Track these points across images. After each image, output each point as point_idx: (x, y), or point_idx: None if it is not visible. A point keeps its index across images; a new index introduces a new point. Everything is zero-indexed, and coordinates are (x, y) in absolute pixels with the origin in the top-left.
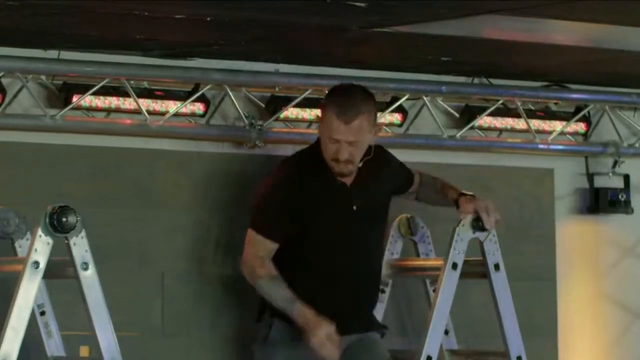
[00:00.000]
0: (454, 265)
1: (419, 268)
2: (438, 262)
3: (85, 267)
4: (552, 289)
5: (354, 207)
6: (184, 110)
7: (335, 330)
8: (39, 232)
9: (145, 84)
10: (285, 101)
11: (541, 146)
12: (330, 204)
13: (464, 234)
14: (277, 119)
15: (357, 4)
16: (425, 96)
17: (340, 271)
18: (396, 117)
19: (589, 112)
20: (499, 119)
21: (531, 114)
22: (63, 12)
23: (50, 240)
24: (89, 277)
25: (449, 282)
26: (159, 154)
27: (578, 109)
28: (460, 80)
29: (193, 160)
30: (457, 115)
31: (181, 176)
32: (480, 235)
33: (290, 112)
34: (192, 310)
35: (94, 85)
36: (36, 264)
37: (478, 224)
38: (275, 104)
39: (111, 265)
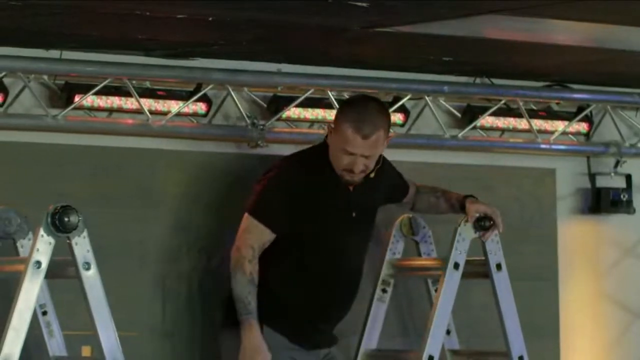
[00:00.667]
0: (456, 265)
1: (420, 268)
2: (440, 262)
3: (87, 267)
4: (554, 289)
5: (353, 214)
6: (186, 110)
7: (313, 342)
8: (41, 231)
9: (147, 84)
10: (287, 101)
11: (543, 146)
12: (332, 208)
13: (466, 233)
14: (279, 119)
15: (359, 3)
16: (427, 96)
17: (330, 276)
18: (398, 117)
19: (591, 112)
20: (501, 118)
21: (533, 114)
22: (64, 12)
23: (52, 240)
24: (90, 277)
25: (451, 282)
26: (161, 154)
27: (580, 109)
28: (462, 80)
29: (195, 160)
30: (459, 115)
31: (183, 176)
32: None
33: (292, 112)
34: (193, 310)
35: (96, 85)
36: (38, 263)
37: (481, 224)
38: (277, 103)
39: (112, 265)
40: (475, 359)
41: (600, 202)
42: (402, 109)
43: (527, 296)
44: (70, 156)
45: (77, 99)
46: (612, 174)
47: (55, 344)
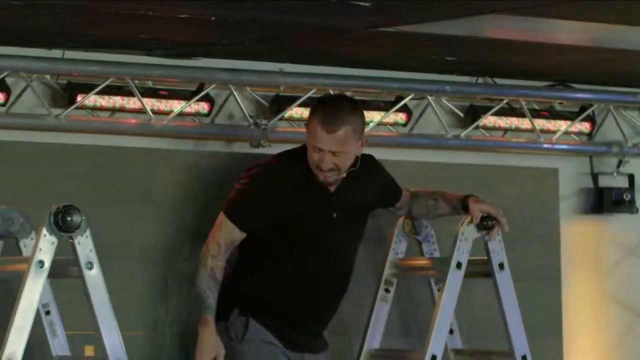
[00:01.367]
0: (459, 265)
1: (423, 267)
2: (442, 262)
3: (90, 266)
4: (557, 289)
5: (334, 215)
6: (188, 109)
7: (296, 342)
8: (44, 231)
9: (150, 84)
10: (289, 101)
11: (545, 146)
12: (310, 208)
13: (469, 233)
14: (281, 119)
15: (362, 3)
16: (430, 96)
17: (311, 277)
18: (400, 117)
19: (593, 112)
20: (504, 118)
21: (535, 114)
22: (66, 11)
23: (54, 240)
24: (93, 276)
25: (454, 281)
26: (163, 154)
27: (582, 109)
28: (464, 80)
29: (197, 159)
30: (461, 114)
31: (185, 176)
32: (485, 234)
33: (295, 111)
34: (195, 310)
35: (98, 85)
36: (41, 263)
37: (484, 224)
38: (280, 103)
39: (114, 265)
40: (478, 358)
41: (602, 202)
42: (405, 109)
43: (530, 296)
44: (73, 156)
45: (79, 98)
46: (615, 174)
47: (58, 343)
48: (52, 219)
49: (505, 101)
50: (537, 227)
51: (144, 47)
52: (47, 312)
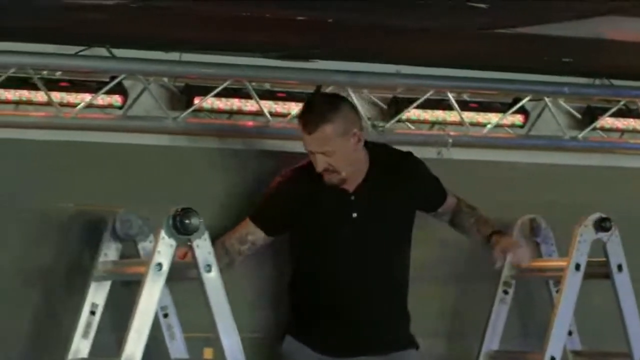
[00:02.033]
0: (577, 266)
1: (542, 269)
2: (561, 263)
3: (209, 269)
4: None
5: (354, 215)
6: None
7: (341, 348)
8: (162, 234)
9: (267, 86)
10: (406, 102)
11: None
12: (328, 209)
13: (587, 234)
14: (398, 121)
15: (478, 5)
16: (547, 97)
17: (341, 281)
18: (518, 119)
19: None
20: (621, 120)
21: None
22: (182, 14)
23: (173, 243)
24: (212, 279)
25: (572, 283)
26: (279, 156)
27: None
28: (581, 81)
29: None
30: (579, 116)
31: None
32: (603, 236)
33: (412, 113)
34: None
35: (216, 87)
36: (159, 266)
37: (601, 225)
38: (397, 105)
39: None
40: None
41: None
42: (522, 110)
43: None
44: (190, 158)
45: (196, 101)
46: None
47: (176, 346)
48: (170, 222)
49: (622, 102)
50: None
51: (260, 50)
52: (165, 315)
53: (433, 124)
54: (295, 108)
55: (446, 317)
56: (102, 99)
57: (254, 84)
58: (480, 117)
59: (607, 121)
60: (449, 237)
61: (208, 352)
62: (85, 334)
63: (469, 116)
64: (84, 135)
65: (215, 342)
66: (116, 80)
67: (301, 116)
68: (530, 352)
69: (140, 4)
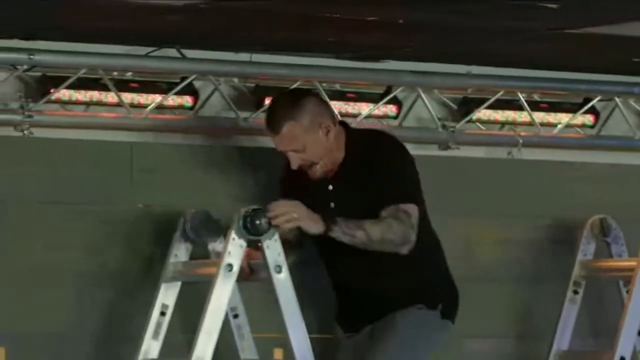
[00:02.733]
0: None
1: (612, 269)
2: (631, 263)
3: (279, 270)
4: None
5: (332, 205)
6: (376, 112)
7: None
8: (233, 234)
9: (337, 86)
10: (477, 103)
11: None
12: (312, 200)
13: None
14: (469, 121)
15: (548, 5)
16: (617, 97)
17: (333, 263)
18: (588, 119)
19: None
20: None
21: None
22: (253, 14)
23: (243, 243)
24: (282, 279)
25: None
26: None
27: None
28: None
29: None
30: None
31: None
32: None
33: (483, 113)
34: None
35: (286, 88)
36: (230, 266)
37: None
38: (468, 105)
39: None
40: None
41: None
42: (592, 111)
43: None
44: (260, 158)
45: (267, 101)
46: None
47: (246, 346)
48: (241, 223)
49: None
50: None
51: (331, 50)
52: (235, 316)
53: (503, 124)
54: (365, 108)
55: (516, 317)
56: (172, 100)
57: (324, 84)
58: (550, 117)
59: None
60: (518, 238)
61: (278, 353)
62: (155, 335)
63: (539, 116)
64: (155, 137)
65: (284, 342)
66: (187, 81)
67: (265, 118)
68: (601, 352)
69: (210, 4)
